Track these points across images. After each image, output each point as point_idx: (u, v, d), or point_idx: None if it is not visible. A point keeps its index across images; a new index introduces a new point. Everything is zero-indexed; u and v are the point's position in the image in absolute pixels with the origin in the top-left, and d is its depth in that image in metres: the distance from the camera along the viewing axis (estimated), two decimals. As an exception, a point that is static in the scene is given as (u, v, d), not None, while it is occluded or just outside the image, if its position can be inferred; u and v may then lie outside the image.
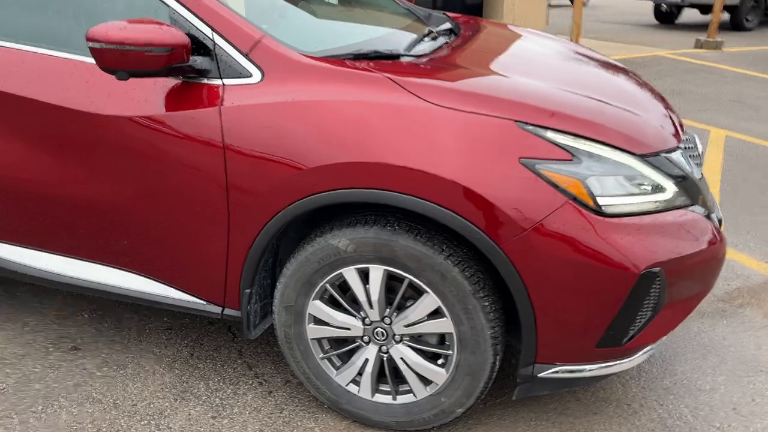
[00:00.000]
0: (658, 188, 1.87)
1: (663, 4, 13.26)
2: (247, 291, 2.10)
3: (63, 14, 2.17)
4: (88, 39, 1.79)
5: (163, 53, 1.80)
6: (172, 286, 2.23)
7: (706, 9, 12.78)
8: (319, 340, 2.15)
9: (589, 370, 1.99)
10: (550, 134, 1.80)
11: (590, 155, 1.81)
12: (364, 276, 1.98)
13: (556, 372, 1.98)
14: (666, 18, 13.70)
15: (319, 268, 1.99)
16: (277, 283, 2.10)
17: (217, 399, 2.30)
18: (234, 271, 2.08)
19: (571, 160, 1.78)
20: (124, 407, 2.24)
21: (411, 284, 1.94)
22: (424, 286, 1.91)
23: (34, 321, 2.72)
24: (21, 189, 2.23)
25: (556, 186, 1.75)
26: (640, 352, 2.03)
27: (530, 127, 1.80)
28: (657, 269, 1.80)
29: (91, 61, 2.02)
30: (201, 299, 2.21)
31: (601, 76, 2.40)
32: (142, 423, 2.17)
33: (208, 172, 1.96)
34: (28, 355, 2.50)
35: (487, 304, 1.89)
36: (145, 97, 1.99)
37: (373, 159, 1.80)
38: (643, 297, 1.84)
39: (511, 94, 1.90)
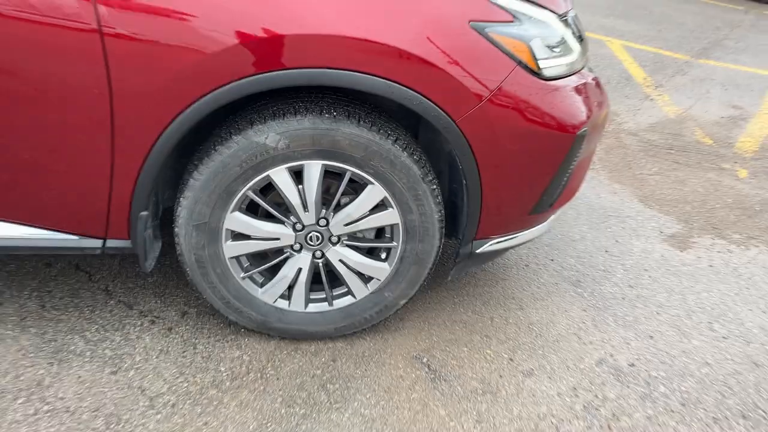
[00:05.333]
0: (568, 50, 1.87)
1: None
2: (143, 214, 1.69)
3: None
4: None
5: None
6: (24, 223, 1.70)
7: None
8: (237, 258, 1.84)
9: (517, 238, 2.03)
10: (491, -6, 1.67)
11: (527, 16, 1.73)
12: (296, 176, 1.71)
13: (492, 245, 1.97)
14: None
15: (240, 173, 1.66)
16: (181, 199, 1.72)
17: (107, 351, 1.88)
18: (122, 192, 1.64)
19: (512, 21, 1.68)
20: (-19, 389, 1.72)
21: (351, 179, 1.73)
22: (369, 178, 1.71)
23: None
24: None
25: (505, 50, 1.65)
26: (551, 217, 2.11)
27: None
28: (585, 129, 1.84)
29: None
30: (70, 234, 1.73)
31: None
32: (19, 401, 1.69)
33: (79, 66, 1.45)
34: None
35: (434, 187, 1.78)
36: None
37: (306, 30, 1.49)
38: (572, 157, 1.88)
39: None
